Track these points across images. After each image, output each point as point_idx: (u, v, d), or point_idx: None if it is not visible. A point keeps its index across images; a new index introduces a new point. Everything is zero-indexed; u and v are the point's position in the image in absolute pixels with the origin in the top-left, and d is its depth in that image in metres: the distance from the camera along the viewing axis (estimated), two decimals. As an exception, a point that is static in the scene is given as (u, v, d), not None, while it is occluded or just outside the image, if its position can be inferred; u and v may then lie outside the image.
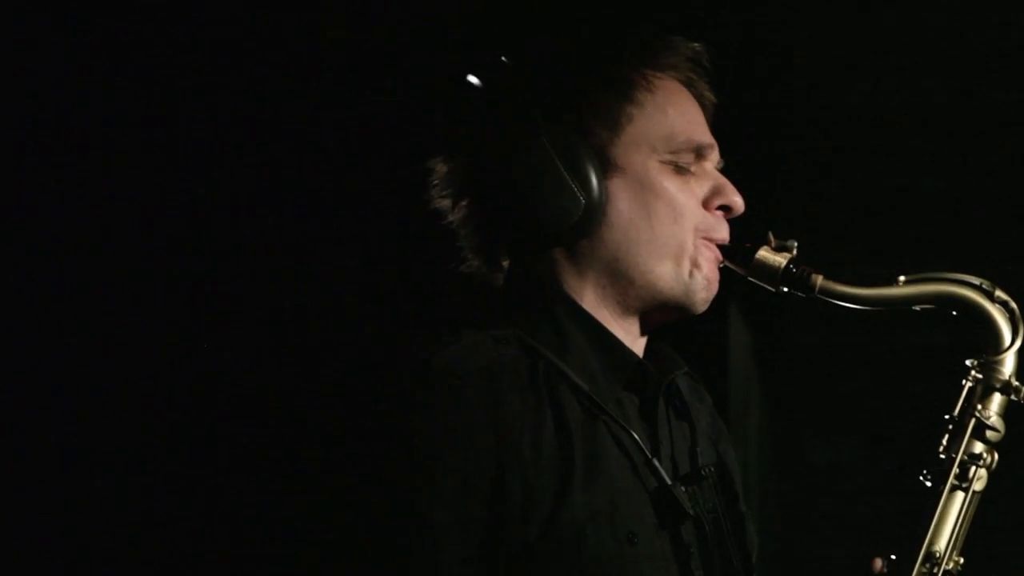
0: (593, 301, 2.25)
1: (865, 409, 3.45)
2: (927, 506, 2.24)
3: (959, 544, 2.24)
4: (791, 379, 3.47)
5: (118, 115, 3.40)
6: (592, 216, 2.20)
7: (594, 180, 2.20)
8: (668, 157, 2.23)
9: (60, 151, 3.41)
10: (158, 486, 3.39)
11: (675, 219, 2.21)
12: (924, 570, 2.23)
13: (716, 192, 2.25)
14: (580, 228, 2.21)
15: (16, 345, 3.40)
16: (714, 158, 2.28)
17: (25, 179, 3.40)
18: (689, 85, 2.28)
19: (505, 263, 2.30)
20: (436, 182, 2.30)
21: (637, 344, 2.28)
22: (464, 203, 2.28)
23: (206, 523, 3.40)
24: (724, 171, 2.28)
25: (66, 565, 3.40)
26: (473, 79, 2.23)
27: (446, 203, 2.29)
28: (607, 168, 2.22)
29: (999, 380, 2.23)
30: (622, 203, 2.22)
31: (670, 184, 2.22)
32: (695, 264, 2.23)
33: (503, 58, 2.24)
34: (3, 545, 3.39)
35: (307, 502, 3.29)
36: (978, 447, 2.23)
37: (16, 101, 3.39)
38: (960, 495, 2.23)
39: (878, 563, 2.26)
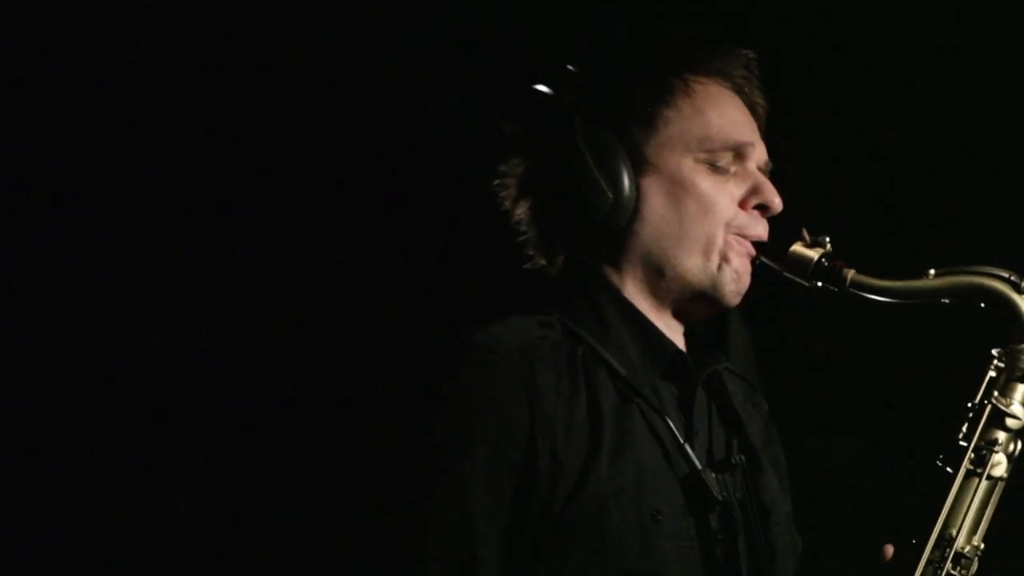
0: (633, 292, 2.34)
1: (867, 408, 3.48)
2: (943, 491, 2.27)
3: (977, 528, 2.27)
4: (791, 379, 3.47)
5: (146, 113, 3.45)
6: (620, 211, 2.29)
7: (624, 177, 2.29)
8: (703, 156, 2.31)
9: (75, 147, 3.45)
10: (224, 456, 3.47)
11: (705, 215, 2.29)
12: (936, 553, 2.26)
13: (753, 191, 2.32)
14: (610, 222, 2.30)
15: (19, 345, 3.42)
16: (757, 158, 2.35)
17: (31, 177, 3.43)
18: (739, 91, 2.36)
19: (560, 259, 2.39)
20: (499, 183, 2.39)
21: (676, 336, 2.36)
22: (524, 203, 2.38)
23: (252, 489, 3.47)
24: (770, 172, 2.35)
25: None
26: (543, 88, 2.32)
27: (509, 204, 2.38)
28: (641, 167, 2.31)
29: (1022, 369, 2.27)
30: (655, 199, 2.31)
31: (703, 182, 2.30)
32: (724, 258, 2.30)
33: (569, 67, 2.33)
34: (3, 545, 3.40)
35: (351, 467, 3.37)
36: (997, 434, 2.26)
37: (17, 101, 3.41)
38: (975, 480, 2.26)
39: (889, 550, 2.30)
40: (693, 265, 2.30)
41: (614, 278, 2.34)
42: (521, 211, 2.37)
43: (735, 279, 2.31)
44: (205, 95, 3.43)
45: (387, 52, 3.43)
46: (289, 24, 3.44)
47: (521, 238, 2.38)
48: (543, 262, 2.39)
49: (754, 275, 2.34)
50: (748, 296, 2.37)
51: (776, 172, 2.35)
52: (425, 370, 2.32)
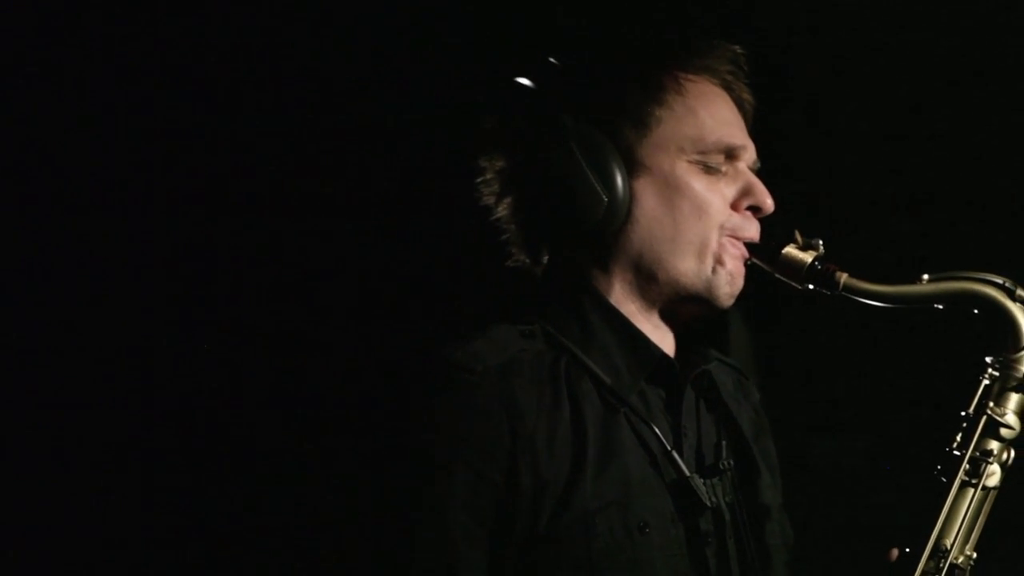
0: (620, 296, 2.31)
1: (867, 408, 3.46)
2: (937, 501, 2.25)
3: (971, 539, 2.26)
4: (791, 379, 3.46)
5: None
6: (615, 214, 2.26)
7: (618, 179, 2.26)
8: (696, 158, 2.28)
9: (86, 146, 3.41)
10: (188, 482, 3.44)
11: (699, 216, 2.26)
12: (931, 564, 2.24)
13: (746, 192, 2.30)
14: (604, 225, 2.27)
15: (24, 345, 3.39)
16: (747, 159, 2.32)
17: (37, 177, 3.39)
18: (727, 88, 2.33)
19: (545, 258, 2.36)
20: (481, 180, 2.35)
21: (665, 338, 2.33)
22: (507, 200, 2.34)
23: (232, 512, 3.44)
24: (759, 172, 2.33)
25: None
26: (524, 81, 2.28)
27: (491, 200, 2.35)
28: (634, 168, 2.27)
29: (1016, 378, 2.25)
30: (647, 201, 2.27)
31: (696, 183, 2.27)
32: (718, 260, 2.28)
33: (552, 60, 2.29)
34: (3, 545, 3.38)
35: (330, 491, 3.34)
36: (991, 444, 2.25)
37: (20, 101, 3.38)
38: (970, 491, 2.25)
39: (894, 553, 2.28)
40: (687, 268, 2.28)
41: (600, 281, 2.31)
42: (504, 208, 2.35)
43: (729, 282, 2.29)
44: (198, 98, 3.41)
45: (363, 45, 3.41)
46: (274, 21, 3.42)
47: (504, 236, 2.35)
48: (526, 260, 2.36)
49: (749, 277, 2.32)
50: (748, 297, 2.34)
51: (770, 172, 2.33)
52: (406, 388, 2.30)
